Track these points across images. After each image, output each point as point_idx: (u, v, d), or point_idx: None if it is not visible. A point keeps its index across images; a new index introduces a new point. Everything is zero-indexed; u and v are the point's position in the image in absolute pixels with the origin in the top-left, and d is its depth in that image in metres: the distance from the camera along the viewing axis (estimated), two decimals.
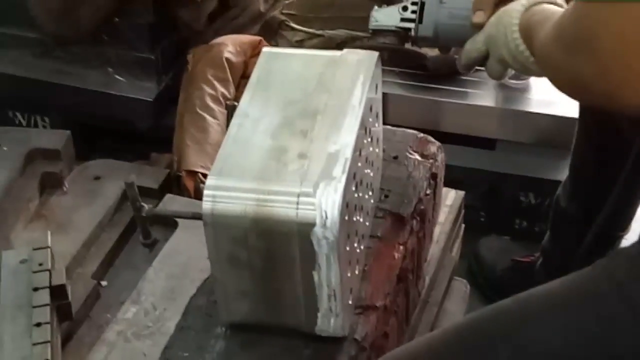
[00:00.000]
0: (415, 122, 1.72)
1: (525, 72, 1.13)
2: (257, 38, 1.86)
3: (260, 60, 1.14)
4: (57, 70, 1.91)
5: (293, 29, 1.90)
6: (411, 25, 1.22)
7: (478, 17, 1.16)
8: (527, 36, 1.07)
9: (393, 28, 1.23)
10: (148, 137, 1.85)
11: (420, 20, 1.22)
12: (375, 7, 1.26)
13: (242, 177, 0.98)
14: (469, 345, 1.05)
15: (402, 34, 1.24)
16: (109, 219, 1.45)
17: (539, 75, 1.11)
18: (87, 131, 1.71)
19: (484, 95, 1.82)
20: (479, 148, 1.87)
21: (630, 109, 0.85)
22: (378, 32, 1.25)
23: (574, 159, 1.62)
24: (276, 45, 1.86)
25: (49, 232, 1.32)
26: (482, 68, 1.18)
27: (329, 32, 1.87)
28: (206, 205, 0.97)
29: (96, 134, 1.76)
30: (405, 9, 1.23)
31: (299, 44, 1.86)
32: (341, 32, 1.86)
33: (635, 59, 0.81)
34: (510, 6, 1.11)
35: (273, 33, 1.90)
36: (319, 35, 1.87)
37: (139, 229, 1.08)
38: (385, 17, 1.24)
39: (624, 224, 1.61)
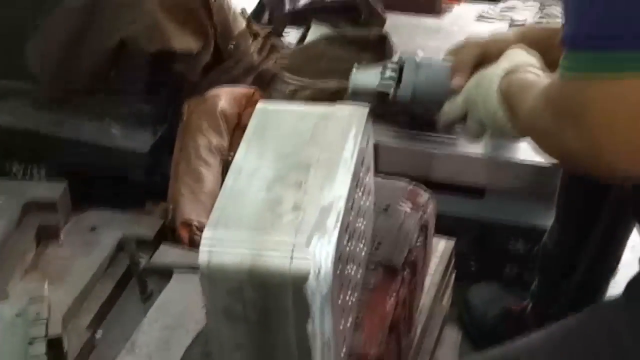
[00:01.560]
0: (405, 170, 1.72)
1: (502, 135, 1.14)
2: (251, 89, 1.87)
3: (255, 114, 1.15)
4: (53, 122, 1.92)
5: (286, 80, 1.91)
6: (390, 86, 1.23)
7: (456, 81, 1.18)
8: (506, 102, 1.08)
9: (372, 89, 1.24)
10: (143, 187, 1.85)
11: (399, 82, 1.22)
12: (355, 69, 1.26)
13: (237, 229, 0.98)
14: None
15: (381, 96, 1.24)
16: (105, 270, 1.47)
17: (516, 138, 1.13)
18: (82, 181, 1.70)
19: (472, 145, 1.81)
20: (468, 196, 1.87)
21: (617, 179, 0.87)
22: (357, 92, 1.24)
23: (559, 206, 1.64)
24: (270, 96, 1.88)
25: (45, 283, 1.33)
26: None
27: (320, 83, 1.88)
28: (203, 257, 0.97)
29: (92, 184, 1.76)
30: (384, 70, 1.23)
31: (292, 95, 1.87)
32: (333, 83, 1.87)
33: (623, 134, 0.83)
34: (489, 70, 1.13)
35: (267, 84, 1.91)
36: (311, 86, 1.88)
37: (136, 282, 1.08)
38: (364, 78, 1.24)
39: (610, 268, 1.61)
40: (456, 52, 1.23)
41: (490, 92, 1.10)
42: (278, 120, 1.15)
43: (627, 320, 1.06)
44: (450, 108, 1.18)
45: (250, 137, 1.12)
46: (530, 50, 1.15)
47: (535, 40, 1.20)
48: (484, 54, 1.19)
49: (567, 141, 0.89)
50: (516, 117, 1.05)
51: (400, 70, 1.22)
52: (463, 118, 1.17)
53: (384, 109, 1.25)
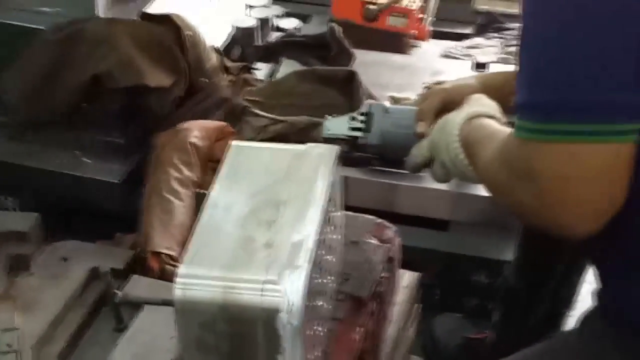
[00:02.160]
0: (372, 203, 1.76)
1: (464, 179, 1.17)
2: (222, 123, 1.87)
3: (230, 152, 1.16)
4: (26, 153, 1.91)
5: (256, 114, 1.91)
6: (359, 134, 1.26)
7: (421, 127, 1.21)
8: (467, 148, 1.11)
9: (343, 136, 1.27)
10: (114, 218, 1.84)
11: (368, 129, 1.26)
12: (327, 117, 1.30)
13: (211, 266, 0.99)
14: None
15: (351, 142, 1.28)
16: (75, 300, 1.44)
17: (478, 183, 1.16)
18: (55, 211, 1.69)
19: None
20: (433, 229, 1.89)
21: (566, 235, 0.91)
22: (329, 139, 1.27)
23: (521, 240, 1.67)
24: (240, 130, 1.88)
25: (15, 314, 1.32)
26: None
27: (290, 118, 1.89)
28: (177, 292, 0.98)
29: (64, 214, 1.75)
30: (354, 118, 1.27)
31: (263, 129, 1.88)
32: (302, 119, 1.88)
33: (571, 192, 0.86)
34: (451, 116, 1.15)
35: (237, 118, 1.92)
36: (281, 121, 1.89)
37: (107, 312, 1.09)
38: (335, 126, 1.28)
39: (569, 302, 1.64)
40: (421, 100, 1.27)
41: (452, 137, 1.13)
42: (252, 157, 1.16)
43: (579, 350, 1.09)
44: (417, 152, 1.21)
45: (225, 173, 1.13)
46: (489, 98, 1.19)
47: (496, 86, 1.23)
48: (447, 101, 1.22)
49: (520, 198, 0.91)
50: (475, 166, 1.09)
51: (368, 118, 1.26)
52: (429, 162, 1.20)
53: (355, 153, 1.29)
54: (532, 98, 0.89)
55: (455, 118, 1.14)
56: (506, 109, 1.13)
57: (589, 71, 0.85)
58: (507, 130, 1.01)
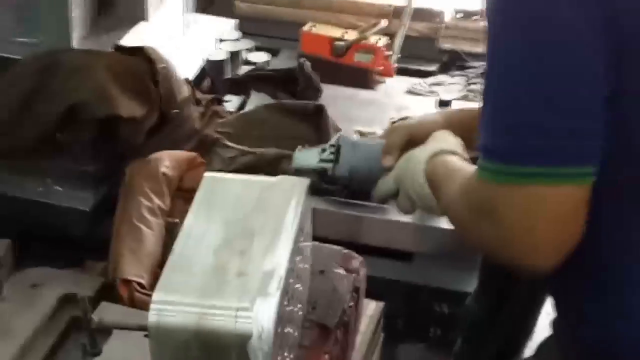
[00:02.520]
0: (338, 234, 1.77)
1: (429, 211, 1.20)
2: (192, 154, 1.88)
3: (203, 183, 1.18)
4: None
5: (226, 146, 1.93)
6: (329, 165, 1.28)
7: (387, 161, 1.23)
8: (431, 183, 1.13)
9: (312, 167, 1.30)
10: (83, 245, 1.84)
11: (336, 161, 1.27)
12: (298, 148, 1.32)
13: (185, 293, 1.00)
14: None
15: (320, 173, 1.30)
16: (46, 326, 1.45)
17: (442, 215, 1.19)
18: (24, 237, 1.68)
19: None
20: (397, 260, 1.89)
21: (527, 272, 0.95)
22: (299, 171, 1.29)
23: (482, 273, 1.70)
24: (211, 161, 1.89)
25: None
26: None
27: (260, 150, 1.90)
28: (152, 318, 0.99)
29: (34, 240, 1.74)
30: (323, 150, 1.29)
31: (232, 160, 1.89)
32: (271, 151, 1.90)
33: (531, 231, 0.89)
34: (416, 152, 1.18)
35: (208, 149, 1.93)
36: (250, 153, 1.90)
37: (86, 338, 1.11)
38: (305, 158, 1.29)
39: (528, 332, 1.67)
40: (387, 135, 1.30)
41: (417, 172, 1.16)
42: (225, 189, 1.18)
43: None
44: (383, 184, 1.24)
45: (199, 204, 1.15)
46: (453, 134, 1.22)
47: (460, 122, 1.26)
48: (412, 136, 1.24)
49: (482, 234, 0.95)
50: (439, 200, 1.11)
51: (337, 151, 1.28)
52: (395, 194, 1.23)
53: (324, 184, 1.31)
54: (491, 141, 0.92)
55: (421, 153, 1.17)
56: (470, 146, 1.16)
57: (541, 119, 0.88)
58: (470, 167, 1.04)
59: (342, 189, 1.80)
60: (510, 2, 0.92)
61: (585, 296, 1.02)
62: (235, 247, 1.08)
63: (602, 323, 1.01)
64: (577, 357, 1.07)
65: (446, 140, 1.19)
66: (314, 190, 1.23)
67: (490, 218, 0.92)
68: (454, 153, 1.16)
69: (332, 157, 1.28)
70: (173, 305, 1.00)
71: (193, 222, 1.13)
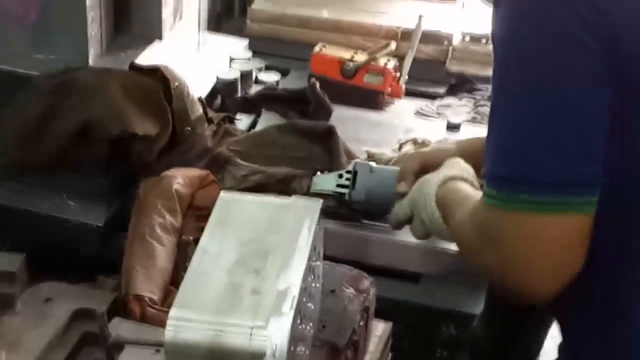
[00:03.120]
0: (348, 255, 1.72)
1: (440, 236, 1.22)
2: (205, 172, 1.87)
3: (218, 203, 1.19)
4: (14, 195, 1.91)
5: (238, 164, 1.92)
6: (346, 190, 1.31)
7: (402, 187, 1.27)
8: (442, 208, 1.16)
9: (330, 192, 1.32)
10: (96, 260, 1.84)
11: (353, 186, 1.30)
12: (318, 173, 1.34)
13: (201, 310, 1.02)
14: None
15: (338, 197, 1.32)
16: (58, 340, 1.45)
17: (452, 241, 1.21)
18: (38, 251, 1.67)
19: (408, 234, 1.73)
20: (405, 281, 1.88)
21: (528, 298, 0.96)
22: (317, 194, 1.32)
23: (488, 295, 1.70)
24: (222, 179, 1.88)
25: (3, 354, 1.34)
26: None
27: (271, 169, 1.89)
28: (168, 333, 1.01)
29: (47, 254, 1.73)
30: (340, 176, 1.31)
31: (243, 179, 1.88)
32: (282, 170, 1.88)
33: (533, 258, 0.91)
34: (429, 177, 1.21)
35: (219, 167, 1.92)
36: (261, 171, 1.89)
37: (102, 352, 1.12)
38: (323, 182, 1.32)
39: (534, 356, 1.67)
40: (401, 160, 1.32)
41: (429, 197, 1.18)
42: (240, 209, 1.19)
43: None
44: (398, 209, 1.26)
45: (214, 223, 1.17)
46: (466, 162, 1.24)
47: (472, 151, 1.28)
48: (426, 163, 1.27)
49: (487, 259, 0.97)
50: (448, 225, 1.14)
51: (354, 176, 1.30)
52: (410, 219, 1.25)
53: (342, 208, 1.33)
54: (496, 170, 0.95)
55: (433, 179, 1.20)
56: (482, 173, 1.18)
57: (545, 151, 0.91)
58: (480, 194, 1.05)
59: (358, 213, 1.82)
60: (510, 37, 0.95)
61: (588, 321, 1.03)
62: (250, 266, 1.09)
63: (605, 351, 1.02)
64: None
65: (458, 167, 1.22)
66: (331, 215, 1.25)
67: (495, 243, 0.94)
68: (464, 180, 1.18)
69: (348, 182, 1.30)
70: (189, 321, 1.01)
71: (209, 240, 1.14)
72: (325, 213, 1.29)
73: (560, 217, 0.91)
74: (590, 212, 0.92)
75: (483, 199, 0.97)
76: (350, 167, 1.33)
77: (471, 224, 1.01)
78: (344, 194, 1.31)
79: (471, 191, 1.15)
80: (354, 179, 1.30)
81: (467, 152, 1.29)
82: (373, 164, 1.33)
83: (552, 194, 0.91)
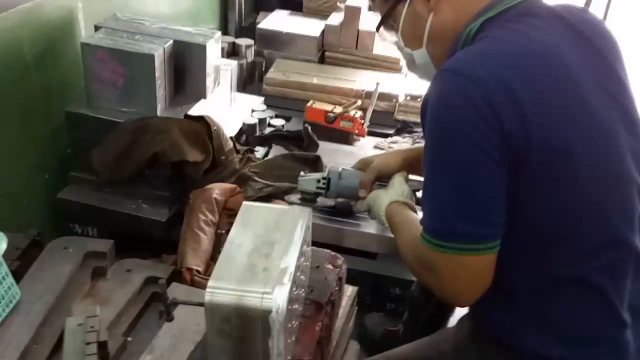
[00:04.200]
0: (328, 240, 1.76)
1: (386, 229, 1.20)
2: (233, 186, 1.88)
3: (241, 209, 1.19)
4: (104, 200, 1.90)
5: (256, 180, 1.92)
6: (322, 191, 1.29)
7: (362, 193, 1.24)
8: (389, 223, 1.14)
9: (311, 191, 1.30)
10: (161, 244, 1.83)
11: (327, 188, 1.28)
12: (300, 177, 1.31)
13: (229, 281, 1.01)
14: None
15: (316, 194, 1.29)
16: (135, 298, 1.45)
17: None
18: (122, 238, 1.66)
19: (369, 226, 1.84)
20: (366, 258, 1.89)
21: (459, 304, 0.95)
22: (302, 192, 1.29)
23: None
24: (245, 191, 1.89)
25: (97, 307, 1.32)
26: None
27: (277, 184, 1.90)
28: (207, 297, 1.00)
29: (128, 240, 1.71)
30: (318, 181, 1.29)
31: (259, 190, 1.89)
32: (285, 184, 1.89)
33: (457, 283, 0.91)
34: (381, 195, 1.17)
35: (244, 183, 1.92)
36: (271, 185, 1.90)
37: (163, 309, 1.10)
38: (306, 184, 1.29)
39: (451, 308, 1.65)
40: (363, 165, 1.28)
41: (380, 212, 1.16)
42: (255, 213, 1.18)
43: (452, 341, 1.13)
44: (361, 206, 1.24)
45: (238, 223, 1.16)
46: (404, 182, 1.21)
47: (413, 158, 1.24)
48: (380, 174, 1.24)
49: (424, 278, 0.96)
50: (396, 239, 1.10)
51: (328, 182, 1.28)
52: (367, 211, 1.23)
53: (318, 204, 1.30)
54: (429, 225, 0.93)
55: (383, 200, 1.16)
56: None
57: (459, 218, 0.89)
58: (416, 221, 1.03)
59: (331, 207, 1.81)
60: (433, 137, 0.91)
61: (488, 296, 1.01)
62: (262, 252, 1.09)
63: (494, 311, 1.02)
64: (478, 329, 1.07)
65: (400, 191, 1.17)
66: (310, 204, 1.22)
67: (430, 271, 0.93)
68: (405, 203, 1.15)
69: (324, 185, 1.27)
70: (221, 289, 1.01)
71: (234, 234, 1.13)
72: (305, 200, 1.27)
73: (473, 257, 0.90)
74: (494, 252, 0.91)
75: (422, 238, 0.93)
76: (325, 174, 1.29)
77: (413, 253, 0.98)
78: (320, 194, 1.28)
79: (411, 216, 1.11)
80: (328, 183, 1.27)
81: (409, 159, 1.24)
82: (341, 169, 1.29)
83: (466, 243, 0.90)
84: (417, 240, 0.94)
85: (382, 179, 1.24)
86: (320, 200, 1.32)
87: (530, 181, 0.90)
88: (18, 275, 1.39)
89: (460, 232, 0.89)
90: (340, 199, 1.33)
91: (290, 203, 1.27)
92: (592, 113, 0.93)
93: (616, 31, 1.04)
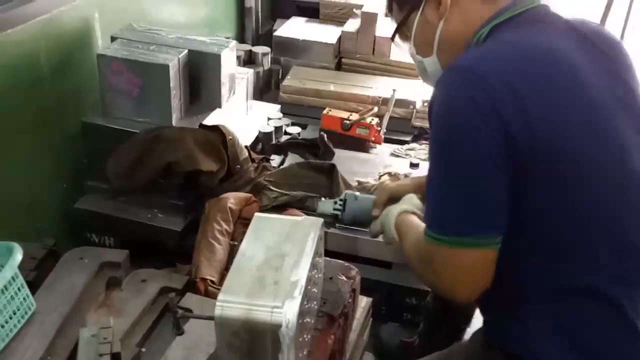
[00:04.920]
0: (344, 250, 1.77)
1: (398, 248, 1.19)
2: (249, 195, 1.88)
3: (253, 220, 1.19)
4: (120, 209, 1.91)
5: (271, 189, 1.92)
6: (338, 213, 1.31)
7: (375, 212, 1.24)
8: (398, 232, 1.14)
9: (329, 214, 1.32)
10: (175, 254, 1.84)
11: (344, 209, 1.30)
12: (322, 199, 1.34)
13: (238, 295, 1.01)
14: None
15: (333, 217, 1.32)
16: (149, 308, 1.45)
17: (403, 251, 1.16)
18: (137, 246, 1.67)
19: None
20: (381, 267, 1.88)
21: (458, 302, 0.93)
22: (320, 215, 1.31)
23: None
24: (260, 200, 1.88)
25: (111, 318, 1.33)
26: None
27: (293, 193, 1.90)
28: (217, 310, 1.00)
29: (143, 249, 1.72)
30: (335, 202, 1.31)
31: (274, 199, 1.89)
32: (300, 193, 1.89)
33: (457, 278, 0.90)
34: (392, 208, 1.19)
35: (259, 192, 1.92)
36: (287, 194, 1.90)
37: (173, 323, 1.10)
38: (324, 207, 1.32)
39: (467, 320, 1.62)
40: (378, 190, 1.29)
41: (390, 223, 1.16)
42: (267, 224, 1.19)
43: (467, 354, 1.11)
44: (373, 227, 1.25)
45: (250, 234, 1.16)
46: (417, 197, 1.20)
47: (423, 185, 1.26)
48: (392, 195, 1.24)
49: (425, 276, 0.95)
50: (402, 246, 1.10)
51: (344, 203, 1.30)
52: (382, 233, 1.24)
53: (336, 224, 1.31)
54: (432, 216, 0.93)
55: (393, 211, 1.17)
56: (424, 217, 1.12)
57: (463, 207, 0.89)
58: (422, 226, 1.01)
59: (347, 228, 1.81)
60: (435, 125, 0.91)
61: (493, 307, 1.01)
62: (272, 264, 1.08)
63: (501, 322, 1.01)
64: (492, 342, 1.05)
65: (410, 202, 1.19)
66: (329, 226, 1.23)
67: (428, 264, 0.92)
68: (414, 213, 1.15)
69: (341, 207, 1.30)
70: (230, 303, 1.01)
71: (245, 246, 1.13)
72: (326, 224, 1.29)
73: (472, 250, 0.89)
74: (495, 248, 0.90)
75: (424, 236, 0.94)
76: (342, 197, 1.32)
77: (416, 251, 0.99)
78: (337, 215, 1.31)
79: (417, 222, 1.12)
80: (344, 205, 1.30)
81: (420, 185, 1.25)
82: (357, 193, 1.32)
83: (465, 237, 0.89)
84: (421, 239, 0.95)
85: (396, 200, 1.25)
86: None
87: (538, 187, 0.89)
88: (34, 285, 1.41)
89: (460, 226, 0.89)
90: (355, 221, 1.34)
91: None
92: (599, 115, 0.92)
93: (633, 51, 1.03)
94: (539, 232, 0.92)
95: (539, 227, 0.92)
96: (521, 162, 0.88)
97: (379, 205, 1.24)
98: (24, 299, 1.32)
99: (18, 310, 1.30)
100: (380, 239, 1.26)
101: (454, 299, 0.92)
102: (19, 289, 1.30)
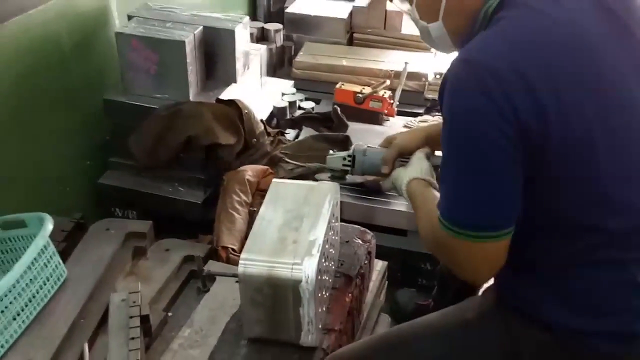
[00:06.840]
0: (359, 218, 1.77)
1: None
2: (266, 167, 1.91)
3: (271, 186, 1.22)
4: (143, 183, 1.95)
5: (287, 162, 1.95)
6: (348, 168, 1.30)
7: (385, 170, 1.24)
8: (410, 200, 1.13)
9: (338, 168, 1.32)
10: (197, 224, 1.86)
11: (353, 165, 1.29)
12: (328, 156, 1.31)
13: (260, 253, 1.05)
14: (384, 345, 1.12)
15: (343, 171, 1.31)
16: (174, 275, 1.48)
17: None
18: (161, 219, 1.70)
19: (399, 204, 1.85)
20: (397, 235, 1.89)
21: (475, 284, 0.96)
22: (330, 169, 1.31)
23: None
24: (277, 172, 1.90)
25: (139, 283, 1.37)
26: None
27: (308, 164, 1.90)
28: (240, 268, 1.04)
29: (166, 221, 1.75)
30: (344, 159, 1.30)
31: (290, 171, 1.91)
32: (314, 165, 1.79)
33: (472, 265, 0.92)
34: (400, 174, 1.17)
35: (275, 164, 1.95)
36: (302, 166, 1.92)
37: (200, 282, 1.15)
38: (333, 162, 1.30)
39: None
40: (387, 142, 1.28)
41: (401, 189, 1.16)
42: (285, 189, 1.22)
43: (477, 306, 1.13)
44: (384, 184, 1.25)
45: (268, 199, 1.20)
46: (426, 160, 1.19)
47: (436, 132, 1.22)
48: (402, 150, 1.24)
49: (441, 258, 0.98)
50: (415, 216, 1.09)
51: (354, 157, 1.29)
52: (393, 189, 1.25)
53: (346, 180, 1.32)
54: (446, 213, 0.93)
55: (403, 178, 1.16)
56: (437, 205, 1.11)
57: (474, 210, 0.90)
58: (435, 199, 1.01)
59: (360, 185, 1.83)
60: (447, 116, 0.91)
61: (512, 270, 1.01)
62: (291, 225, 1.12)
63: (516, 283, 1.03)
64: (504, 300, 1.08)
65: (420, 167, 1.17)
66: (339, 182, 1.23)
67: (447, 254, 0.95)
68: (425, 179, 1.15)
69: (350, 163, 1.29)
70: (253, 261, 1.05)
71: (265, 210, 1.17)
72: (335, 178, 1.29)
73: (488, 243, 0.91)
74: (507, 238, 0.92)
75: (440, 224, 0.94)
76: (350, 152, 1.30)
77: (431, 235, 0.98)
78: (347, 171, 1.30)
79: (431, 196, 1.10)
80: (353, 161, 1.28)
81: (432, 134, 1.23)
82: (365, 147, 1.28)
83: (482, 231, 0.90)
84: (435, 222, 0.95)
85: (405, 156, 1.25)
86: (350, 178, 1.33)
87: (553, 172, 0.89)
88: (64, 255, 1.45)
89: (475, 222, 0.90)
90: (369, 178, 1.34)
91: (320, 180, 1.30)
92: (615, 98, 0.90)
93: None
94: (553, 217, 0.93)
95: (553, 212, 0.92)
96: (534, 148, 0.87)
97: (389, 162, 1.23)
98: (55, 266, 1.37)
99: (51, 277, 1.36)
100: (397, 201, 1.25)
101: (471, 281, 0.95)
102: (50, 257, 1.35)
